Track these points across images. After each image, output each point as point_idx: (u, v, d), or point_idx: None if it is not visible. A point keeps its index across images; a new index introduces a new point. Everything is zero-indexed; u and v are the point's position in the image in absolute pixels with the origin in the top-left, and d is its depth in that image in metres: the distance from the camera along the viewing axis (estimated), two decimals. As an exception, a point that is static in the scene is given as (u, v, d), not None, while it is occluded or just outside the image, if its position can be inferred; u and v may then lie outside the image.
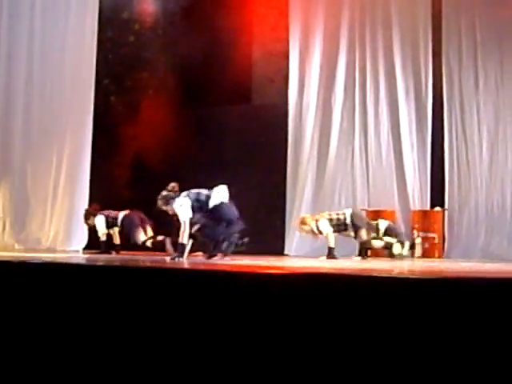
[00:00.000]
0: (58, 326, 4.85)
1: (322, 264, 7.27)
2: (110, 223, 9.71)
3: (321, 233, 9.40)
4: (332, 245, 9.28)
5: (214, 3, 11.52)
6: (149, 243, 9.34)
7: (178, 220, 7.77)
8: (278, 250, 10.99)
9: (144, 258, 7.83)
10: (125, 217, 9.67)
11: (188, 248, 7.68)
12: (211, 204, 7.71)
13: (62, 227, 11.88)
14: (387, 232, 9.69)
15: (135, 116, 12.44)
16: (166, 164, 10.97)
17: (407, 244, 9.76)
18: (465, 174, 10.67)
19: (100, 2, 12.13)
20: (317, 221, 9.42)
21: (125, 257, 8.68)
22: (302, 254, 10.87)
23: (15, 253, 9.64)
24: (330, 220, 9.38)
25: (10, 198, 12.27)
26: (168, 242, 9.10)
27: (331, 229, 9.30)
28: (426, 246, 10.34)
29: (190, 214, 7.65)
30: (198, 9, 11.67)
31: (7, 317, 5.07)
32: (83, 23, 12.17)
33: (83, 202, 11.69)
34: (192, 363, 4.25)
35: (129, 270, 5.27)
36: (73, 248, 11.47)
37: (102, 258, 8.11)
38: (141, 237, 9.47)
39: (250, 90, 12.30)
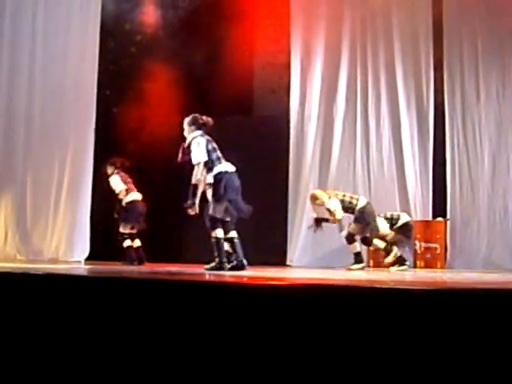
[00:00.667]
0: (59, 337, 4.84)
1: (324, 275, 7.25)
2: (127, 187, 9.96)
3: (329, 210, 9.43)
4: (358, 249, 9.45)
5: (216, 15, 11.54)
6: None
7: (184, 152, 7.72)
8: (280, 261, 10.99)
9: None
10: (133, 202, 9.92)
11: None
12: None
13: (64, 238, 11.87)
14: (402, 228, 9.71)
15: (137, 127, 12.45)
16: (168, 175, 10.96)
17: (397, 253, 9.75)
18: (467, 184, 10.67)
19: (102, 13, 12.16)
20: (328, 197, 9.46)
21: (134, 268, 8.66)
22: (304, 264, 10.88)
23: (17, 263, 9.63)
24: (342, 201, 9.50)
25: (11, 208, 12.27)
26: None
27: (341, 212, 9.44)
28: (429, 256, 10.33)
29: (205, 157, 7.58)
30: (199, 20, 11.70)
31: (9, 328, 5.06)
32: (85, 34, 12.19)
33: (85, 212, 11.72)
34: (194, 375, 4.24)
35: (131, 282, 5.26)
36: (75, 259, 11.46)
37: (105, 270, 8.09)
38: (123, 229, 9.87)
39: (252, 101, 12.32)
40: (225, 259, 7.48)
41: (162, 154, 10.30)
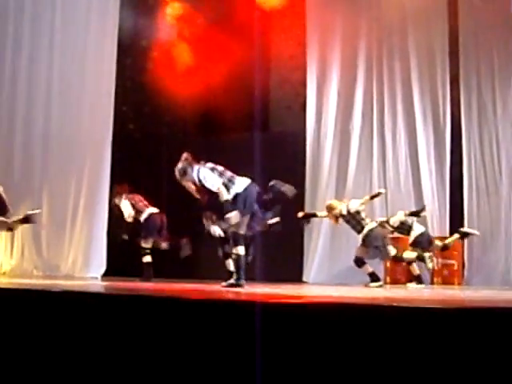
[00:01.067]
0: (75, 353, 4.84)
1: (341, 293, 7.22)
2: (134, 213, 9.94)
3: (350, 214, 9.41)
4: (370, 270, 9.33)
5: (232, 31, 11.57)
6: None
7: (202, 191, 7.72)
8: (296, 277, 10.96)
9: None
10: (150, 216, 9.89)
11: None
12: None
13: (80, 253, 11.89)
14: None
15: (153, 143, 12.51)
16: (185, 189, 10.97)
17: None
18: (484, 199, 10.63)
19: (119, 30, 12.23)
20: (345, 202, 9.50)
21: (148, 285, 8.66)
22: (321, 280, 10.84)
23: (33, 279, 9.65)
24: (357, 213, 9.42)
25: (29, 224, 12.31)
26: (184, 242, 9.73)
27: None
28: (446, 272, 10.28)
29: (219, 181, 7.58)
30: (215, 37, 11.73)
31: (25, 344, 5.07)
32: (102, 50, 12.26)
33: (102, 228, 11.74)
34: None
35: (147, 299, 5.26)
36: (91, 275, 11.47)
37: (123, 287, 8.09)
38: (145, 244, 9.85)
39: (268, 118, 12.33)
40: (243, 276, 7.47)
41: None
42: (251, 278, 8.15)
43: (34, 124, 12.41)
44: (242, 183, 7.64)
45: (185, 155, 7.91)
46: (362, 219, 9.37)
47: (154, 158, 12.28)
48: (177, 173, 7.91)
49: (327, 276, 10.84)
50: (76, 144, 12.11)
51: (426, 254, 9.40)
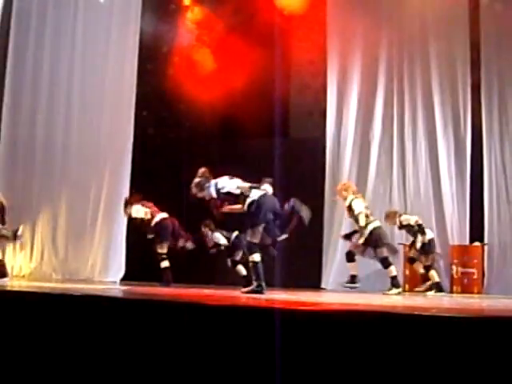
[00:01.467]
0: (94, 357, 4.86)
1: (359, 300, 7.19)
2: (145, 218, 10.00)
3: (350, 209, 9.42)
4: (394, 273, 9.31)
5: (253, 37, 11.58)
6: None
7: (215, 206, 7.81)
8: (315, 284, 10.93)
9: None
10: (161, 221, 9.93)
11: None
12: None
13: (99, 258, 11.95)
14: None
15: (173, 149, 12.53)
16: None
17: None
18: (505, 208, 10.57)
19: (140, 36, 12.29)
20: (355, 197, 9.48)
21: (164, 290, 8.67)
22: (339, 287, 10.80)
23: (53, 283, 9.69)
24: (367, 207, 9.48)
25: (48, 227, 12.39)
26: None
27: (364, 211, 9.36)
28: (465, 281, 10.21)
29: (239, 181, 7.73)
30: (236, 43, 11.75)
31: (45, 347, 5.09)
32: (123, 56, 12.33)
33: (121, 233, 11.77)
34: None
35: (166, 305, 5.27)
36: (110, 279, 11.50)
37: (140, 292, 8.11)
38: (161, 249, 9.87)
39: (288, 124, 12.32)
40: (262, 282, 7.49)
41: (196, 172, 10.36)
42: (270, 285, 8.14)
43: (55, 129, 12.50)
44: (257, 193, 7.69)
45: (202, 170, 8.01)
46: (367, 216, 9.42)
47: (175, 163, 12.30)
48: (193, 188, 7.99)
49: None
50: (96, 149, 12.18)
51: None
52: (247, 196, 7.61)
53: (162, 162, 12.34)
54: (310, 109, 12.15)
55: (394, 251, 9.58)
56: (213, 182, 7.88)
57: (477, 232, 10.56)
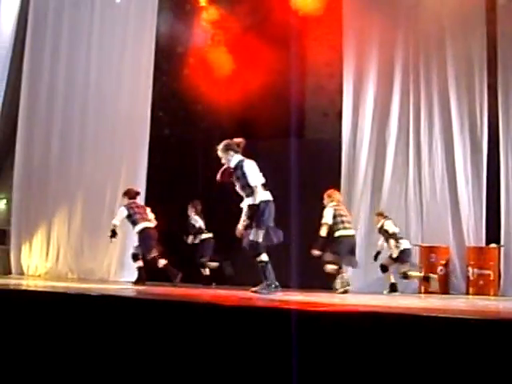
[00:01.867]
0: (109, 356, 4.87)
1: (377, 301, 7.17)
2: (131, 220, 10.33)
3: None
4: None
5: (268, 38, 11.58)
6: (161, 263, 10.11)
7: (225, 173, 7.77)
8: (331, 285, 10.90)
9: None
10: (146, 229, 10.24)
11: None
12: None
13: (115, 258, 11.97)
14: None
15: (189, 149, 12.54)
16: (219, 197, 11.01)
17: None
18: (521, 209, 10.51)
19: (156, 36, 12.32)
20: (332, 206, 9.56)
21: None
22: (355, 289, 10.77)
23: (68, 283, 9.73)
24: (342, 217, 9.52)
25: (64, 227, 12.43)
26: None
27: (329, 222, 9.40)
28: (481, 283, 10.16)
29: (262, 179, 7.63)
30: (251, 43, 11.75)
31: (60, 346, 5.11)
32: (140, 56, 12.36)
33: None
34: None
35: (180, 305, 5.28)
36: (125, 279, 11.51)
37: (152, 292, 8.12)
38: (152, 253, 10.20)
39: (304, 125, 12.32)
40: (272, 282, 7.47)
41: (212, 174, 10.38)
42: (286, 286, 8.13)
43: (71, 129, 12.55)
44: (269, 196, 7.68)
45: (239, 140, 7.93)
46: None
47: (191, 164, 12.32)
48: (222, 145, 7.93)
49: (362, 284, 10.75)
50: (112, 149, 12.21)
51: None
52: (256, 192, 7.58)
53: (177, 163, 12.35)
54: (325, 109, 12.14)
55: (354, 264, 9.64)
56: (240, 157, 7.83)
57: (493, 233, 10.50)
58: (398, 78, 11.34)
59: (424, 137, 11.09)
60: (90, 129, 12.46)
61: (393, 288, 9.73)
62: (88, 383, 4.92)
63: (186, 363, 4.54)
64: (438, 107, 11.08)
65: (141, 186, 11.81)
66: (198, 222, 10.83)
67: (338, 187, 11.32)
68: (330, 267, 9.23)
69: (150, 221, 10.39)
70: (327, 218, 9.41)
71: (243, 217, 7.68)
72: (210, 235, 10.87)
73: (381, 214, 10.08)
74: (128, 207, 10.31)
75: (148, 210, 10.54)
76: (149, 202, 11.65)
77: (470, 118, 10.90)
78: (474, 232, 10.66)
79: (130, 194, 10.49)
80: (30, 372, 5.17)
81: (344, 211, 9.65)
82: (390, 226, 9.85)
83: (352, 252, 9.47)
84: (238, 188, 7.78)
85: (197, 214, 10.86)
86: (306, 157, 11.25)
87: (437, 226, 10.78)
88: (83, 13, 12.71)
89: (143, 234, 10.27)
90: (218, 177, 7.95)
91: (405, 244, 9.82)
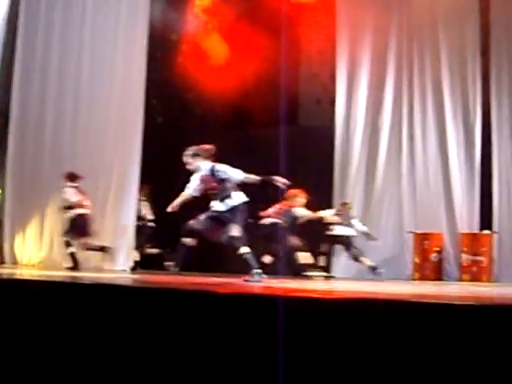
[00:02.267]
0: (104, 346, 4.88)
1: (367, 288, 7.19)
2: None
3: None
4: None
5: (262, 25, 11.57)
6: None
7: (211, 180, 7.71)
8: (325, 272, 10.93)
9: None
10: (84, 214, 10.47)
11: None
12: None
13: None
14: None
15: (182, 136, 12.51)
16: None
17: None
18: (514, 196, 10.54)
19: (150, 24, 12.26)
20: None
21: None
22: (350, 275, 10.82)
23: (63, 272, 9.72)
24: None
25: (58, 216, 12.39)
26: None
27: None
28: (475, 269, 10.20)
29: (243, 174, 7.63)
30: (245, 31, 11.73)
31: (55, 336, 5.11)
32: (133, 44, 12.28)
33: (131, 222, 11.75)
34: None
35: (172, 293, 5.28)
36: (120, 267, 11.51)
37: (148, 280, 8.13)
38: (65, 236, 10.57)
39: (297, 112, 12.32)
40: (259, 269, 7.49)
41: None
42: (280, 273, 8.15)
43: (64, 118, 12.48)
44: (242, 196, 7.68)
45: (208, 146, 7.90)
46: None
47: (184, 152, 12.29)
48: (186, 152, 7.88)
49: (356, 271, 10.79)
50: (106, 138, 12.16)
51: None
52: (232, 197, 7.60)
53: (171, 151, 12.29)
54: (319, 96, 12.16)
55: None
56: (211, 163, 7.76)
57: (486, 220, 10.54)
58: (392, 66, 11.36)
59: (417, 124, 11.12)
60: (84, 117, 12.39)
61: (373, 269, 9.87)
62: (83, 372, 4.93)
63: (178, 350, 4.55)
64: (431, 94, 11.10)
65: (134, 174, 11.79)
66: (143, 209, 11.32)
67: (331, 174, 11.37)
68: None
69: (85, 207, 10.53)
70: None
71: (209, 214, 7.67)
72: (152, 224, 11.45)
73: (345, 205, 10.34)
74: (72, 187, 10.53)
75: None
76: (142, 189, 11.64)
77: (463, 104, 10.92)
78: (467, 218, 10.70)
79: (72, 178, 10.59)
80: (25, 362, 5.17)
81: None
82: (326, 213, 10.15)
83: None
84: (215, 192, 7.71)
85: (145, 199, 11.11)
86: (300, 144, 11.25)
87: (430, 213, 10.82)
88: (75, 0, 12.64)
89: (77, 219, 10.46)
90: (202, 186, 7.86)
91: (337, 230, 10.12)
